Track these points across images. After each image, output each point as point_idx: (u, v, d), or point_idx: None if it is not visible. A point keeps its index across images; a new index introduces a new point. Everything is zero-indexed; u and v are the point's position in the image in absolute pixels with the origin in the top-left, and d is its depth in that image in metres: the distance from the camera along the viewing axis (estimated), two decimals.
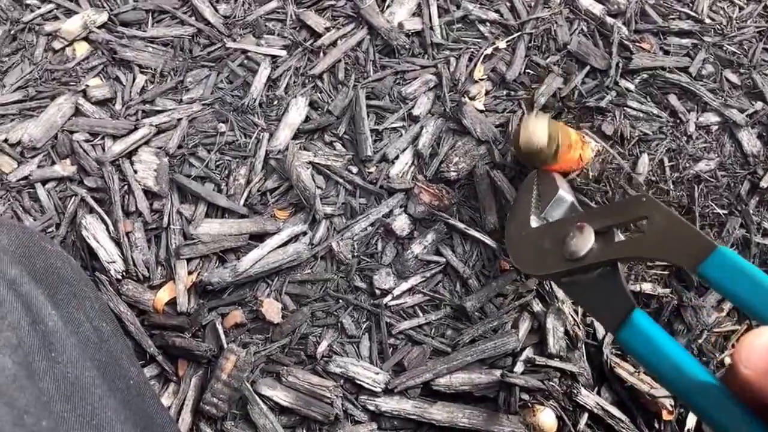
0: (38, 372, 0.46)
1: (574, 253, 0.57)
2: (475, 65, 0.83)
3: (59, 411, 0.46)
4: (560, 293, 0.72)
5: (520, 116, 0.80)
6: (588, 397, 0.68)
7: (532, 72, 0.84)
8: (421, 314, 0.72)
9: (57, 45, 0.86)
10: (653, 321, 0.50)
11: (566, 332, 0.71)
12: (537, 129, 0.65)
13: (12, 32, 0.88)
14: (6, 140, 0.80)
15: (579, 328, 0.71)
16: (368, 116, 0.80)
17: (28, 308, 0.48)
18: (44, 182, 0.78)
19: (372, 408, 0.68)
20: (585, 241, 0.57)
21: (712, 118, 0.80)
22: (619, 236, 0.58)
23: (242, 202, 0.76)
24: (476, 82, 0.82)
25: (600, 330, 0.71)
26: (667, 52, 0.84)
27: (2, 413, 0.40)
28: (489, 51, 0.84)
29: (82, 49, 0.86)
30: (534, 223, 0.66)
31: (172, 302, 0.72)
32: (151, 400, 0.59)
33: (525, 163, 0.74)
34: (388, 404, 0.68)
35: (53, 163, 0.79)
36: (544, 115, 0.68)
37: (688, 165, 0.76)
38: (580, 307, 0.72)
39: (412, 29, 0.86)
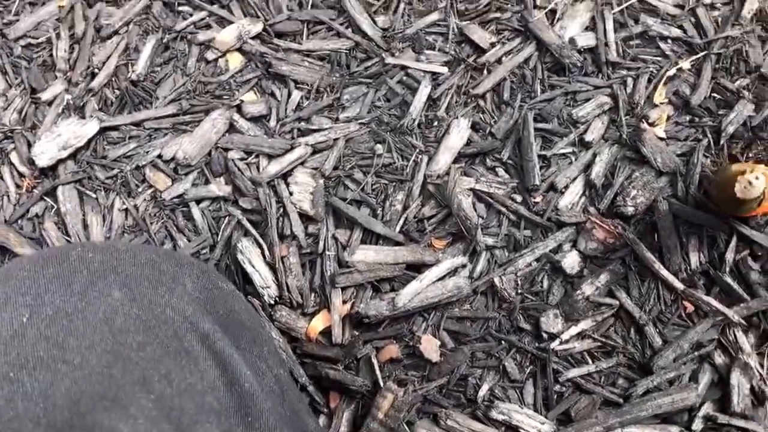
0: None
1: None
2: (656, 87, 0.83)
3: None
4: (746, 344, 0.71)
5: (712, 162, 0.79)
6: None
7: (719, 96, 0.83)
8: (590, 361, 0.72)
9: (210, 56, 0.91)
10: None
11: (751, 388, 0.70)
12: (756, 183, 0.65)
13: (164, 41, 0.93)
14: (160, 156, 0.85)
15: (765, 383, 0.70)
16: (535, 140, 0.81)
17: (223, 367, 0.50)
18: (198, 201, 0.83)
19: None
20: None
21: None
22: None
23: (398, 228, 0.79)
24: (656, 106, 0.82)
25: None
26: None
27: None
28: (671, 72, 0.84)
29: (235, 61, 0.91)
30: None
31: (326, 331, 0.75)
32: None
33: (720, 210, 0.74)
34: None
35: (207, 181, 0.84)
36: (757, 166, 0.68)
37: None
38: None
39: (585, 45, 0.87)
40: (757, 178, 0.65)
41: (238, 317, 0.58)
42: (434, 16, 0.92)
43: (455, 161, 0.82)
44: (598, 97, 0.84)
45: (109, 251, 0.57)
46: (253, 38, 0.92)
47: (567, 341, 0.73)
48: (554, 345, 0.73)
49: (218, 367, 0.50)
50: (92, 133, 0.87)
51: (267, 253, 0.78)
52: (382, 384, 0.72)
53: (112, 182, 0.85)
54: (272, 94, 0.89)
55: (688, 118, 0.82)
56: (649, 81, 0.84)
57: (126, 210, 0.84)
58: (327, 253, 0.78)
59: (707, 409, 0.69)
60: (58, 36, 0.95)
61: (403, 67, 0.88)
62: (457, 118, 0.84)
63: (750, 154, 0.78)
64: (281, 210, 0.80)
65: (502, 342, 0.74)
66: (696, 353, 0.71)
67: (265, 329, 0.67)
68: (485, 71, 0.87)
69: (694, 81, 0.84)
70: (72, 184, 0.85)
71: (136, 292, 0.52)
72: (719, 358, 0.71)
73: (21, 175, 0.86)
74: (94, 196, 0.85)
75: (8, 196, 0.85)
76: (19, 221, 0.84)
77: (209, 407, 0.47)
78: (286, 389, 0.58)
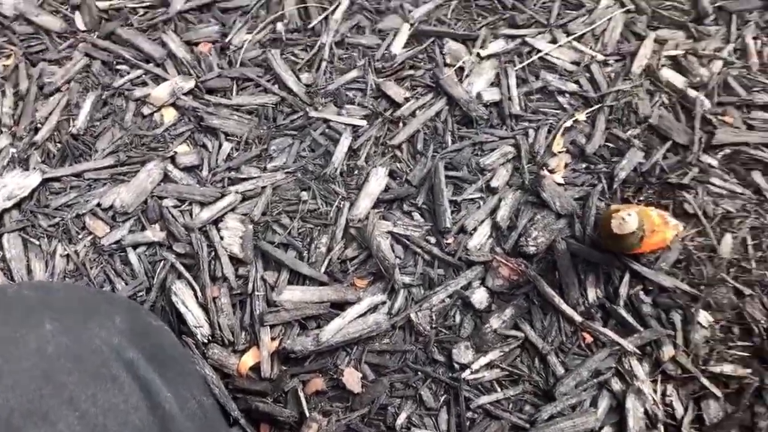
0: None
1: None
2: (554, 137, 0.91)
3: None
4: (640, 372, 0.77)
5: (606, 205, 0.87)
6: None
7: (612, 145, 0.91)
8: (499, 389, 0.78)
9: (146, 111, 0.98)
10: None
11: (645, 412, 0.76)
12: (628, 219, 0.72)
13: (103, 97, 0.99)
14: (99, 204, 0.90)
15: (658, 407, 0.76)
16: (447, 187, 0.88)
17: (147, 391, 0.56)
18: (135, 247, 0.88)
19: None
20: None
21: None
22: None
23: (323, 269, 0.85)
24: (555, 154, 0.90)
25: (679, 410, 0.77)
26: (751, 127, 0.90)
27: None
28: (569, 123, 0.92)
29: (169, 115, 0.97)
30: None
31: (256, 367, 0.80)
32: None
33: (609, 248, 0.81)
34: None
35: (143, 228, 0.89)
36: (632, 206, 0.75)
37: None
38: None
39: (490, 100, 0.95)
40: (629, 215, 0.72)
41: (166, 350, 0.64)
42: (354, 74, 1.00)
43: (374, 206, 0.88)
44: (503, 147, 0.91)
45: (44, 289, 0.63)
46: (185, 94, 0.99)
47: (477, 371, 0.79)
48: (466, 375, 0.78)
49: (142, 390, 0.55)
50: (35, 184, 0.92)
51: (200, 294, 0.83)
52: (308, 415, 0.77)
53: (54, 230, 0.90)
54: (204, 146, 0.95)
55: (584, 165, 0.90)
56: (549, 132, 0.92)
57: (67, 256, 0.88)
58: (256, 293, 0.83)
59: None
60: (3, 93, 1.01)
61: (326, 120, 0.95)
62: (375, 167, 0.91)
63: (641, 198, 0.86)
64: (213, 254, 0.86)
65: (419, 373, 0.79)
66: (595, 380, 0.77)
67: (194, 363, 0.72)
68: (401, 124, 0.95)
69: (589, 131, 0.92)
70: (16, 231, 0.90)
71: (67, 325, 0.57)
72: (616, 385, 0.77)
73: None
74: (37, 243, 0.89)
75: None
76: None
77: (132, 425, 0.52)
78: (209, 415, 0.63)
